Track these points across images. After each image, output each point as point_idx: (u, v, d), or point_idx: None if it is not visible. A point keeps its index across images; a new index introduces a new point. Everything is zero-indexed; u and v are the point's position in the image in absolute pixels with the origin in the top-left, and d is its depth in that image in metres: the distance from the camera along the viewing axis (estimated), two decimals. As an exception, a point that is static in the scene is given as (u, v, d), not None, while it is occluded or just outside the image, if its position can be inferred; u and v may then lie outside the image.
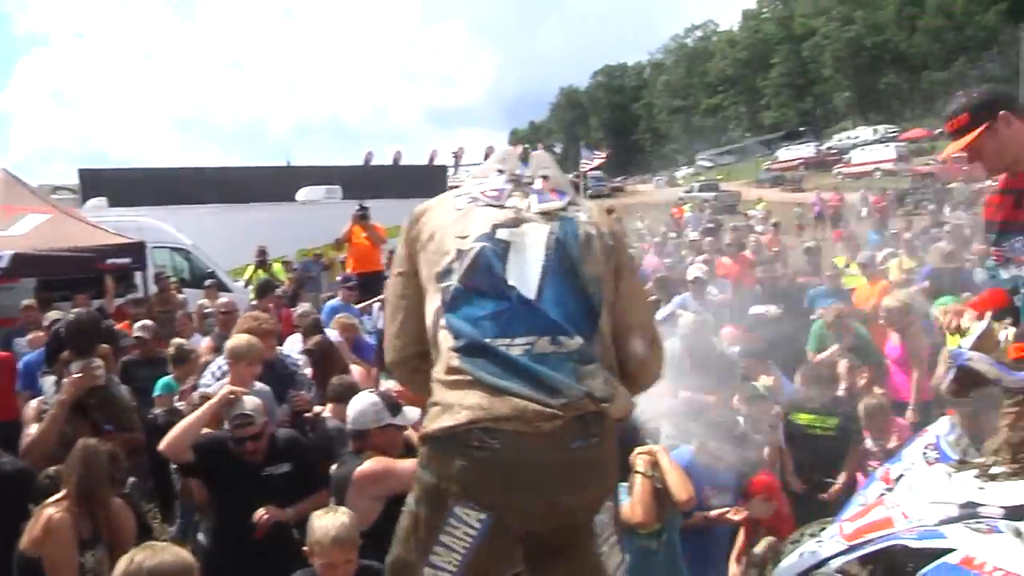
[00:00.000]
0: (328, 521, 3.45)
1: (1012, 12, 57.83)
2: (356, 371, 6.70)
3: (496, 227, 2.42)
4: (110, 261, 10.55)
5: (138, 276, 11.70)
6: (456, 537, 2.19)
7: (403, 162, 35.77)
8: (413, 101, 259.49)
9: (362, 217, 13.45)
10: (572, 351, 2.25)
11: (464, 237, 2.41)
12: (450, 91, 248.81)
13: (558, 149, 63.44)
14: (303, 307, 8.85)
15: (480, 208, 2.50)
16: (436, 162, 37.07)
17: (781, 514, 4.81)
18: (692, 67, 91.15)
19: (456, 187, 2.79)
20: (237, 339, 5.31)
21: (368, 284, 11.22)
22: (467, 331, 2.26)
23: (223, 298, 10.57)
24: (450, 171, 34.26)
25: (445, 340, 2.30)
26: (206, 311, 10.15)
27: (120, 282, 11.35)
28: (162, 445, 4.34)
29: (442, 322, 2.33)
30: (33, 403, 5.63)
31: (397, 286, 2.65)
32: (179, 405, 6.13)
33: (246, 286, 13.66)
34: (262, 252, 14.74)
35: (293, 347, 7.09)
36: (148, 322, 8.01)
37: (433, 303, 2.40)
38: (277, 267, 14.76)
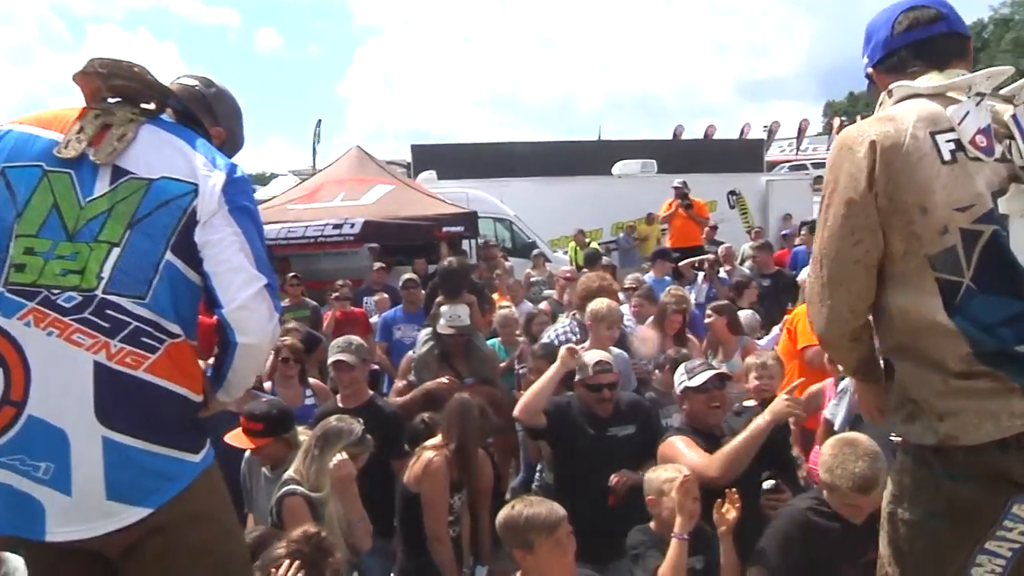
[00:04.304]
0: (665, 471, 3.57)
1: None
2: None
3: (995, 195, 2.02)
4: (446, 229, 11.27)
5: (465, 244, 12.37)
6: (1008, 539, 2.05)
7: (715, 136, 34.87)
8: (723, 73, 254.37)
9: (687, 206, 13.30)
10: None
11: (964, 210, 1.99)
12: (762, 62, 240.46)
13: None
14: (632, 276, 8.82)
15: (972, 163, 2.01)
16: (749, 136, 35.71)
17: None
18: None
19: (912, 96, 2.13)
20: (599, 303, 5.37)
21: (687, 259, 11.03)
22: (983, 338, 2.00)
23: (562, 266, 10.86)
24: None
25: (953, 339, 2.02)
26: (533, 279, 10.47)
27: (450, 249, 12.05)
28: (516, 410, 4.47)
29: (944, 321, 2.02)
30: (409, 354, 6.26)
31: (848, 244, 2.10)
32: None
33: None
34: (580, 233, 15.24)
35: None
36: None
37: (923, 292, 2.05)
38: (595, 247, 14.91)
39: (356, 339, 5.30)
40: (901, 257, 2.06)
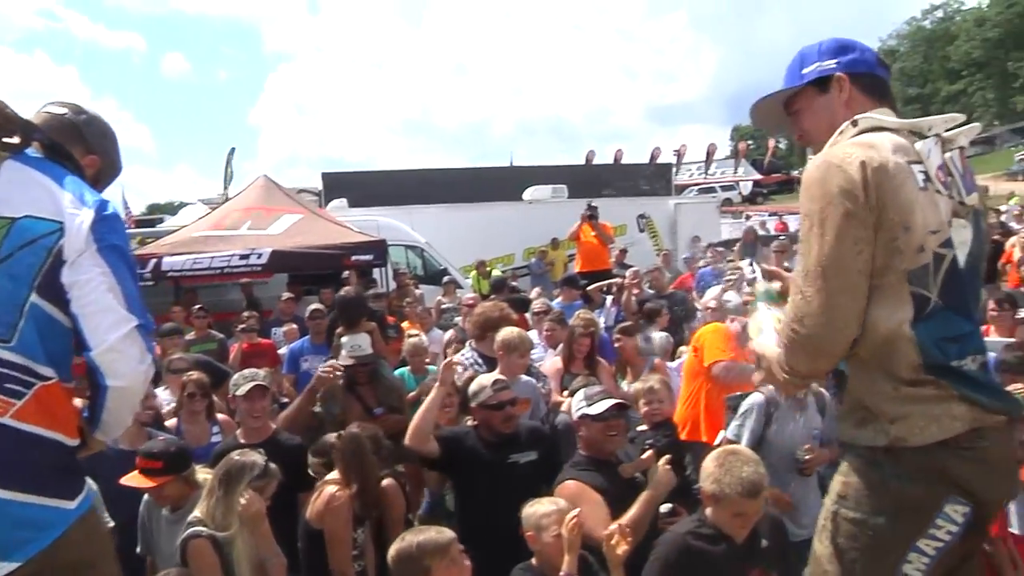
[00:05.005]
0: (541, 505, 3.59)
1: None
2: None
3: (950, 225, 2.23)
4: (355, 258, 11.21)
5: (377, 272, 12.31)
6: (936, 537, 2.21)
7: (624, 160, 35.58)
8: (634, 98, 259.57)
9: (591, 217, 13.48)
10: (984, 363, 2.31)
11: (935, 233, 2.19)
12: (671, 87, 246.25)
13: (783, 144, 60.78)
14: (541, 301, 8.90)
15: (936, 194, 2.21)
16: (659, 160, 36.54)
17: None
18: (931, 52, 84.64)
19: (884, 129, 2.29)
20: (509, 332, 5.44)
21: (596, 282, 11.16)
22: (932, 351, 2.20)
23: (462, 294, 10.89)
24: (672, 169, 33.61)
25: (908, 349, 2.21)
26: (444, 306, 10.49)
27: (361, 278, 11.97)
28: (406, 437, 4.43)
29: (909, 332, 2.20)
30: None
31: (852, 254, 2.18)
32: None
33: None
34: (481, 263, 15.42)
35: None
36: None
37: (900, 302, 2.21)
38: (497, 274, 15.03)
39: (260, 371, 5.25)
40: (880, 271, 2.20)
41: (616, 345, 6.83)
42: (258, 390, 4.91)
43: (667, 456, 3.85)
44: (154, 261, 10.70)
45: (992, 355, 5.97)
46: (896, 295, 2.20)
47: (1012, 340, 6.42)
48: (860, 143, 2.23)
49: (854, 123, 2.31)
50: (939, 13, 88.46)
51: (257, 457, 3.90)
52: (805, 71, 2.48)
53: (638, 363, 6.63)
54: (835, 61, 2.43)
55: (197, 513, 3.75)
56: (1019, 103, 72.87)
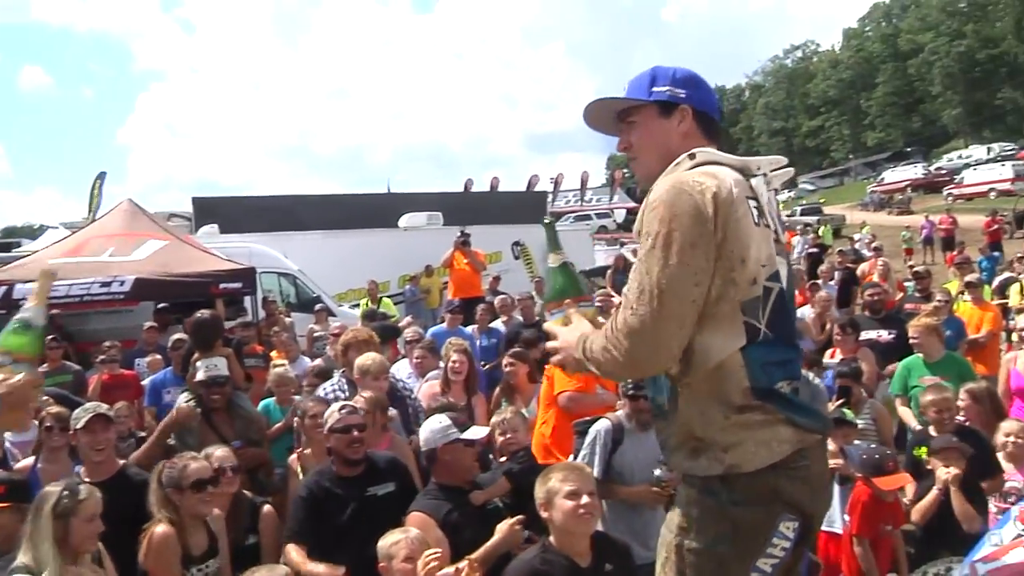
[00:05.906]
0: (392, 535, 3.64)
1: None
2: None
3: (777, 259, 2.35)
4: (223, 286, 10.95)
5: (247, 300, 12.07)
6: (772, 555, 2.30)
7: (501, 187, 36.03)
8: (512, 127, 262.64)
9: (463, 243, 13.58)
10: (796, 388, 2.42)
11: (764, 267, 2.29)
12: (550, 115, 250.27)
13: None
14: (412, 329, 8.91)
15: (766, 229, 2.32)
16: (536, 188, 37.13)
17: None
18: (792, 88, 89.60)
19: (715, 163, 2.37)
20: (364, 357, 5.51)
21: (469, 309, 11.27)
22: (759, 375, 2.29)
23: (335, 321, 10.79)
24: (549, 197, 34.25)
25: (739, 375, 2.29)
26: (316, 335, 10.40)
27: (230, 306, 11.67)
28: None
29: (738, 358, 2.28)
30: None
31: (689, 284, 2.21)
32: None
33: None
34: (373, 283, 15.17)
35: (402, 372, 7.22)
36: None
37: (732, 332, 2.28)
38: (386, 302, 14.93)
39: (103, 404, 5.10)
40: (714, 301, 2.26)
41: (507, 370, 6.90)
42: (99, 421, 4.65)
43: (519, 517, 3.84)
44: (4, 288, 10.18)
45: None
46: (730, 324, 2.26)
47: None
48: (707, 173, 2.29)
49: (691, 156, 2.37)
50: (799, 53, 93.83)
51: (63, 481, 3.74)
52: (655, 89, 2.49)
53: (527, 390, 6.72)
54: (686, 92, 2.48)
55: (21, 558, 3.53)
56: (870, 138, 77.85)
